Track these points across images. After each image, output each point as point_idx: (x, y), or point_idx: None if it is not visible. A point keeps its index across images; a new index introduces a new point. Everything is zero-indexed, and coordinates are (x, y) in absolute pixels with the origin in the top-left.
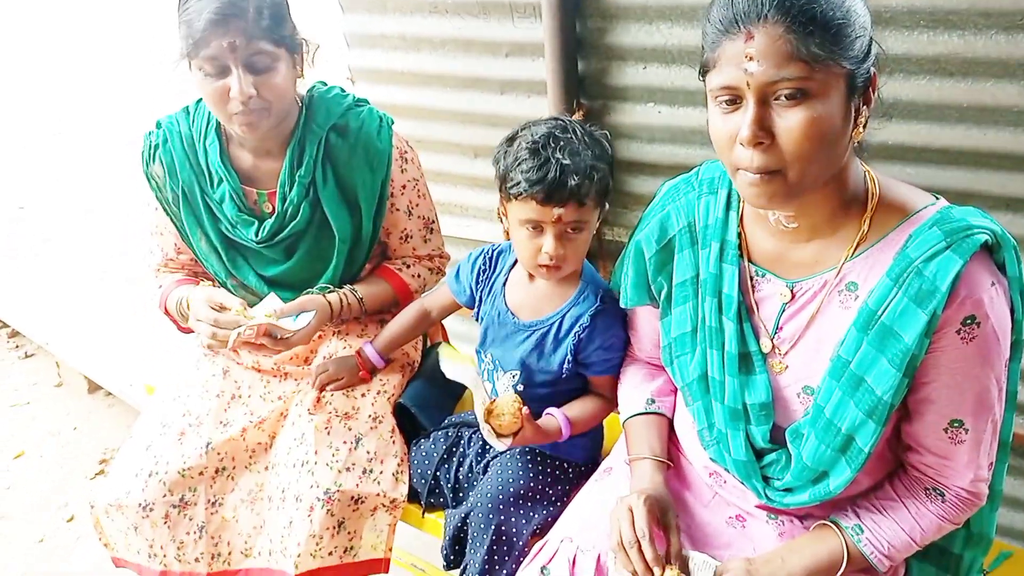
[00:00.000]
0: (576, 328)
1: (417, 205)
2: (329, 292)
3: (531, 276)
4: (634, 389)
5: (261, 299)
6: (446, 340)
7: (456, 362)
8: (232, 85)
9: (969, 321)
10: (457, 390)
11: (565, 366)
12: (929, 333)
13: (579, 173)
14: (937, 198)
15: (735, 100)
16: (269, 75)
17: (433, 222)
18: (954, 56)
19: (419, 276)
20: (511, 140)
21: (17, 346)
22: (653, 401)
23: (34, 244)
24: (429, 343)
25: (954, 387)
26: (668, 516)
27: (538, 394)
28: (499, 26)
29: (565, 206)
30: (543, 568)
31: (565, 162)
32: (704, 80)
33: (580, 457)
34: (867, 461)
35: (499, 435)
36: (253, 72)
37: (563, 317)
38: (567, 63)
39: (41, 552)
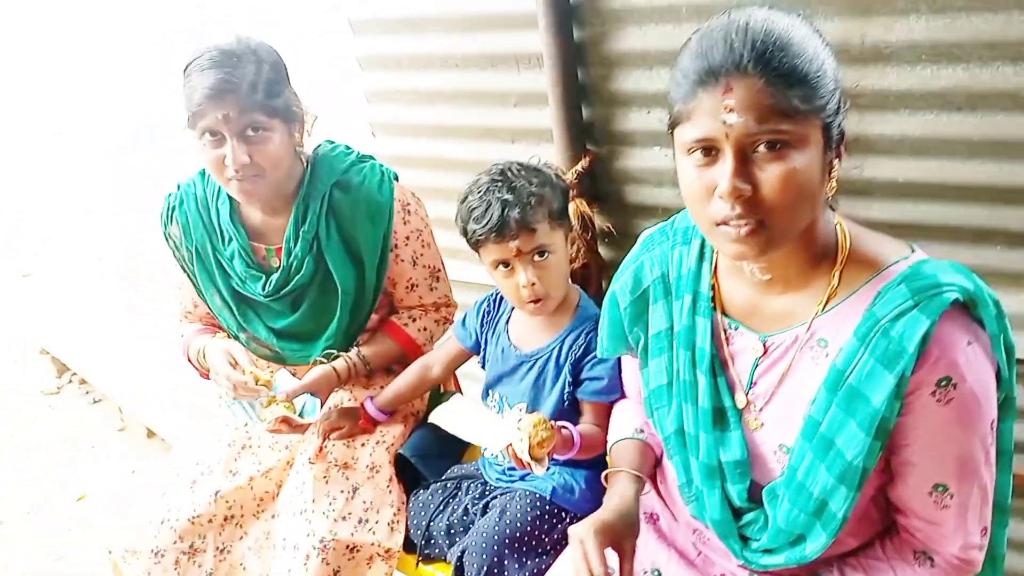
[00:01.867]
0: (574, 348)
1: (422, 255)
2: (334, 358)
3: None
4: (624, 418)
5: (272, 351)
6: (457, 387)
7: (456, 417)
8: (227, 154)
9: (944, 383)
10: (462, 441)
11: (566, 390)
12: (899, 395)
13: (520, 204)
14: (914, 250)
15: (710, 152)
16: (262, 144)
17: (439, 270)
18: (960, 90)
19: (425, 329)
20: (463, 199)
21: (87, 392)
22: (642, 431)
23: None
24: (442, 390)
25: (934, 450)
26: (624, 542)
27: None
28: (506, 77)
29: (518, 237)
30: None
31: (506, 198)
32: (672, 133)
33: (582, 508)
34: (846, 525)
35: (539, 459)
36: (246, 142)
37: (562, 343)
38: (571, 111)
39: None
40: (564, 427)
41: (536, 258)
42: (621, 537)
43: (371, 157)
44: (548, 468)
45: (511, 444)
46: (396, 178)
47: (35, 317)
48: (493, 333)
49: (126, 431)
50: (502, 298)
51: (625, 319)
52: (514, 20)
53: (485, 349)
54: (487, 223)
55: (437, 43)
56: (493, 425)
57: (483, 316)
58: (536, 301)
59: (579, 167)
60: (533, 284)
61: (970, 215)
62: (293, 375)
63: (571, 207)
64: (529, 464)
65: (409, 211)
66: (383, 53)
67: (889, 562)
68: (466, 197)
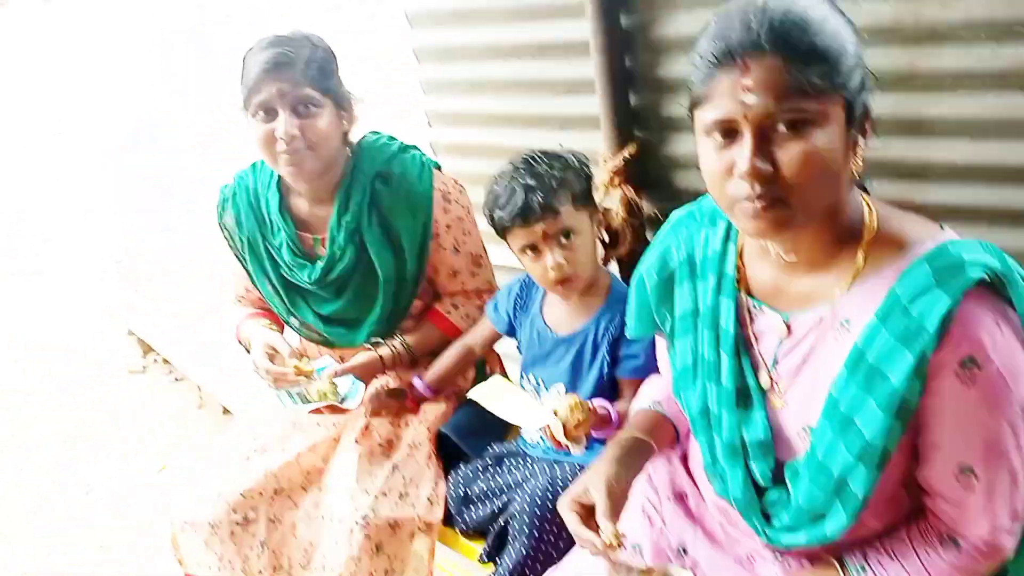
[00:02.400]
0: (611, 328)
1: (464, 243)
2: (381, 347)
3: (565, 297)
4: (645, 391)
5: (320, 335)
6: (501, 369)
7: (495, 397)
8: (278, 127)
9: (969, 364)
10: (504, 423)
11: (604, 370)
12: (920, 375)
13: (543, 188)
14: (943, 229)
15: (730, 134)
16: (313, 120)
17: (481, 257)
18: (1022, 69)
19: (468, 316)
20: (489, 189)
21: (169, 371)
22: (660, 404)
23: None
24: (488, 372)
25: (959, 432)
26: (590, 493)
27: None
28: (555, 65)
29: (542, 220)
30: None
31: (529, 183)
32: (692, 116)
33: None
34: (870, 506)
35: (577, 442)
36: (298, 116)
37: (598, 324)
38: (619, 97)
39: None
40: (602, 406)
41: (562, 240)
42: (594, 495)
43: (414, 147)
44: (586, 448)
45: (548, 425)
46: (438, 167)
47: (122, 300)
48: (527, 317)
49: (203, 408)
50: (533, 282)
51: (652, 300)
52: (562, 8)
53: (520, 332)
54: (512, 209)
55: (488, 33)
56: (530, 407)
57: (515, 301)
58: (564, 282)
59: (626, 153)
60: (561, 265)
61: None
62: (340, 360)
63: (618, 194)
64: (566, 446)
65: (450, 200)
66: (438, 44)
67: (913, 545)
68: (492, 187)
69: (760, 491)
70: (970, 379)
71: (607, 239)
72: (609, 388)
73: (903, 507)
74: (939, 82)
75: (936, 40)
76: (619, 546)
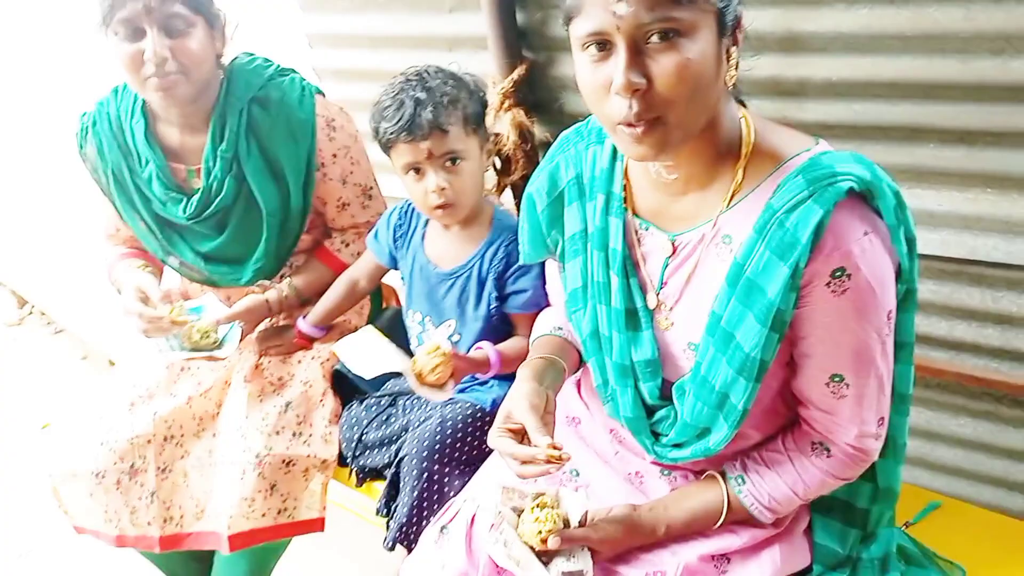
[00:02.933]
0: (495, 262)
1: (352, 172)
2: (267, 290)
3: (446, 226)
4: (543, 320)
5: (202, 274)
6: (398, 301)
7: (361, 355)
8: (146, 47)
9: (839, 273)
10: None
11: (491, 305)
12: (795, 287)
13: (434, 104)
14: (818, 142)
15: (604, 46)
16: (184, 39)
17: (371, 188)
18: None
19: (360, 255)
20: (377, 100)
21: (48, 323)
22: (560, 328)
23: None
24: (383, 305)
25: (829, 341)
26: (515, 415)
27: (473, 344)
28: None
29: (429, 138)
30: (443, 528)
31: (419, 96)
32: (568, 28)
33: None
34: (749, 417)
35: (440, 387)
36: (168, 35)
37: (482, 258)
38: (505, 15)
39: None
40: (479, 347)
41: (448, 164)
42: (519, 416)
43: (292, 70)
44: (451, 395)
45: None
46: (319, 92)
47: None
48: (408, 249)
49: (88, 359)
50: (414, 210)
51: (543, 222)
52: None
53: (401, 264)
54: (398, 121)
55: None
56: (391, 356)
57: (394, 230)
58: (445, 207)
59: (515, 75)
60: (443, 189)
61: (903, 113)
62: (227, 300)
63: (508, 117)
64: (427, 394)
65: (335, 127)
66: None
67: (788, 454)
68: (380, 97)
69: (649, 410)
70: (840, 288)
71: (499, 165)
72: (499, 324)
73: (781, 418)
74: None
75: None
76: (560, 459)
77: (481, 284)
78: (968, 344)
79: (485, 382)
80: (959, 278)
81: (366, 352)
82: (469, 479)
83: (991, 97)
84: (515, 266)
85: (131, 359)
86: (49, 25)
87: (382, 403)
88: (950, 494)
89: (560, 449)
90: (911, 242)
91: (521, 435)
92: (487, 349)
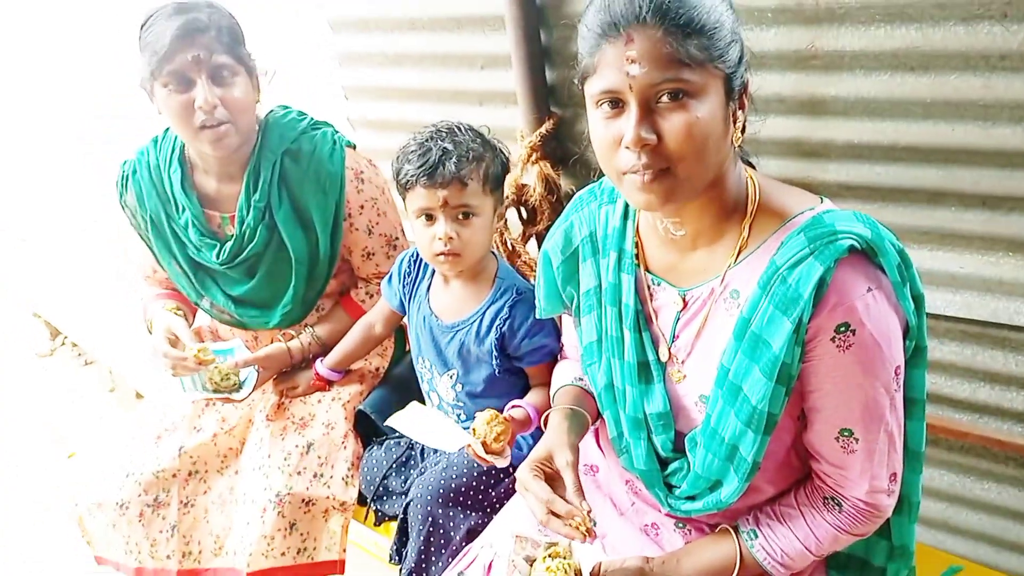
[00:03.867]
0: (497, 322)
1: (378, 223)
2: (291, 340)
3: (446, 279)
4: (563, 370)
5: (232, 317)
6: None
7: (414, 423)
8: (197, 96)
9: (843, 329)
10: (420, 399)
11: (494, 363)
12: (799, 341)
13: (459, 156)
14: (822, 201)
15: (617, 104)
16: (231, 88)
17: (396, 239)
18: (913, 50)
19: None
20: (404, 145)
21: (79, 354)
22: (581, 379)
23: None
24: (407, 348)
25: (837, 395)
26: (556, 461)
27: (479, 393)
28: (472, 40)
29: (448, 187)
30: (460, 573)
31: (446, 146)
32: (582, 87)
33: None
34: (762, 470)
35: (500, 454)
36: (216, 84)
37: (483, 315)
38: (534, 73)
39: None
40: (516, 405)
41: (460, 216)
42: (553, 461)
43: (326, 123)
44: (509, 459)
45: (470, 445)
46: (351, 145)
47: (29, 281)
48: (414, 299)
49: (116, 392)
50: (422, 259)
51: (558, 278)
52: None
53: (408, 312)
54: (421, 165)
55: (405, 5)
56: (449, 428)
57: (403, 276)
58: (448, 255)
59: (543, 129)
60: (451, 238)
61: (924, 176)
62: (255, 340)
63: (535, 170)
64: (490, 461)
65: (363, 179)
66: (353, 15)
67: (800, 508)
68: (408, 141)
69: (663, 463)
70: (845, 344)
71: (526, 215)
72: (504, 376)
73: (795, 473)
74: (838, 62)
75: (835, 21)
76: (592, 532)
77: (480, 340)
78: (992, 407)
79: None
80: (981, 340)
81: (422, 425)
82: (476, 522)
83: (1012, 163)
84: (526, 325)
85: (158, 392)
86: (94, 64)
87: (402, 444)
88: (973, 559)
89: (595, 523)
90: (918, 299)
91: (550, 480)
92: (526, 407)
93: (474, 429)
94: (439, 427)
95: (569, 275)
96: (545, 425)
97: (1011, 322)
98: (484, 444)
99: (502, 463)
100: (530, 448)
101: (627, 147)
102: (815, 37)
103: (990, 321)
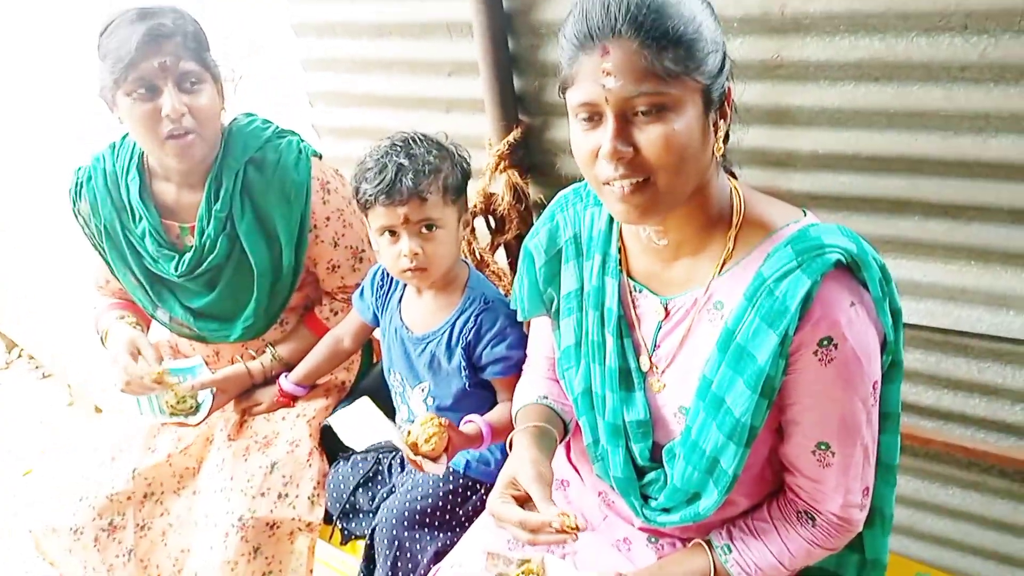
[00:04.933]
0: (464, 332)
1: (343, 235)
2: (251, 361)
3: (419, 290)
4: (525, 388)
5: (191, 330)
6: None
7: (354, 428)
8: (164, 103)
9: (826, 343)
10: (391, 410)
11: (463, 374)
12: (783, 354)
13: (415, 171)
14: (805, 213)
15: (595, 116)
16: (197, 96)
17: (363, 251)
18: (877, 60)
19: None
20: (361, 160)
21: (36, 367)
22: (546, 397)
23: None
24: (374, 360)
25: (816, 409)
26: (520, 480)
27: (449, 407)
28: (439, 46)
29: (407, 204)
30: None
31: (401, 162)
32: (564, 97)
33: (492, 477)
34: (738, 483)
35: (434, 459)
36: (182, 91)
37: (452, 326)
38: (502, 81)
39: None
40: (469, 420)
41: (423, 231)
42: (518, 482)
43: (291, 132)
44: (444, 468)
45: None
46: (317, 155)
47: None
48: (386, 311)
49: (74, 406)
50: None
51: (540, 278)
52: None
53: (381, 324)
54: (378, 184)
55: (371, 10)
56: (384, 429)
57: (376, 289)
58: (415, 271)
59: (511, 138)
60: (416, 254)
61: (888, 186)
62: (215, 356)
63: (503, 178)
64: (420, 465)
65: (329, 190)
66: (318, 20)
67: (773, 522)
68: (364, 158)
69: (639, 472)
70: (827, 358)
71: (493, 224)
72: (475, 388)
73: (768, 485)
74: (803, 72)
75: (800, 31)
76: (576, 527)
77: (450, 351)
78: (955, 414)
79: (445, 465)
80: (945, 348)
81: (360, 424)
82: (443, 543)
83: (974, 173)
84: (490, 334)
85: (114, 409)
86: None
87: (368, 459)
88: (938, 565)
89: (570, 516)
90: (896, 314)
91: (522, 503)
92: (478, 422)
93: (408, 431)
94: (374, 426)
95: (551, 276)
96: (510, 449)
97: (973, 330)
98: (415, 446)
99: (435, 469)
100: (498, 464)
101: (603, 158)
102: (780, 47)
103: (953, 329)
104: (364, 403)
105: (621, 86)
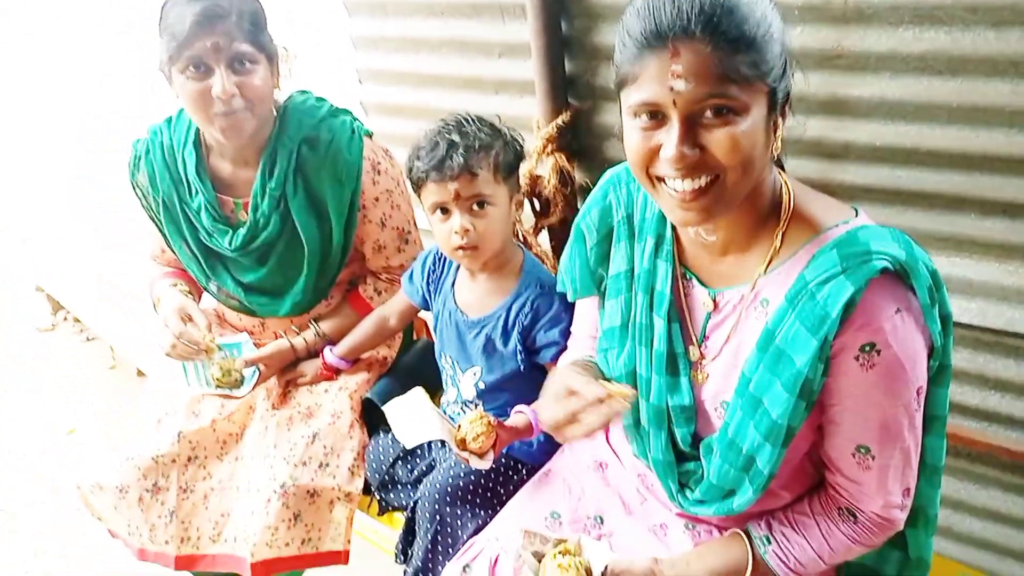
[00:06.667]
0: (520, 317)
1: (391, 216)
2: (295, 337)
3: (472, 273)
4: (574, 351)
5: (241, 303)
6: (429, 335)
7: (407, 421)
8: (215, 84)
9: (868, 348)
10: (432, 387)
11: (519, 358)
12: (823, 358)
13: (466, 147)
14: (857, 213)
15: (657, 115)
16: (250, 76)
17: (409, 232)
18: (941, 53)
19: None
20: (416, 142)
21: (81, 330)
22: (592, 358)
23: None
24: (415, 337)
25: (857, 413)
26: (569, 383)
27: (501, 391)
28: (491, 27)
29: (458, 179)
30: (465, 566)
31: (453, 139)
32: (619, 92)
33: (535, 458)
34: (777, 479)
35: (481, 456)
36: (234, 72)
37: (508, 309)
38: (553, 63)
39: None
40: (519, 411)
41: (474, 207)
42: (567, 379)
43: (346, 111)
44: (490, 464)
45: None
46: (368, 134)
47: (32, 254)
48: (439, 294)
49: (116, 369)
50: (444, 255)
51: (592, 257)
52: None
53: (432, 308)
54: (430, 160)
55: None
56: (432, 423)
57: (428, 273)
58: (468, 249)
59: (559, 121)
60: (467, 230)
61: (945, 182)
62: (261, 327)
63: (550, 161)
64: (466, 459)
65: (379, 171)
66: None
67: (815, 517)
68: (419, 138)
69: (680, 457)
70: (869, 363)
71: (539, 207)
72: (526, 372)
73: (809, 479)
74: (864, 63)
75: (863, 22)
76: (623, 393)
77: (506, 335)
78: (1002, 416)
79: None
80: (995, 349)
81: (411, 414)
82: (482, 521)
83: None
84: (545, 318)
85: (160, 374)
86: (107, 43)
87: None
88: (976, 566)
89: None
90: (946, 319)
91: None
92: (528, 413)
93: (459, 426)
94: (426, 421)
95: (602, 256)
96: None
97: None
98: (462, 442)
99: (481, 465)
100: (540, 446)
101: (666, 162)
102: (842, 37)
103: (1005, 330)
104: (417, 393)
105: (691, 89)
